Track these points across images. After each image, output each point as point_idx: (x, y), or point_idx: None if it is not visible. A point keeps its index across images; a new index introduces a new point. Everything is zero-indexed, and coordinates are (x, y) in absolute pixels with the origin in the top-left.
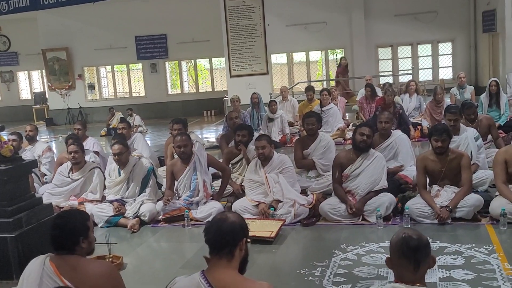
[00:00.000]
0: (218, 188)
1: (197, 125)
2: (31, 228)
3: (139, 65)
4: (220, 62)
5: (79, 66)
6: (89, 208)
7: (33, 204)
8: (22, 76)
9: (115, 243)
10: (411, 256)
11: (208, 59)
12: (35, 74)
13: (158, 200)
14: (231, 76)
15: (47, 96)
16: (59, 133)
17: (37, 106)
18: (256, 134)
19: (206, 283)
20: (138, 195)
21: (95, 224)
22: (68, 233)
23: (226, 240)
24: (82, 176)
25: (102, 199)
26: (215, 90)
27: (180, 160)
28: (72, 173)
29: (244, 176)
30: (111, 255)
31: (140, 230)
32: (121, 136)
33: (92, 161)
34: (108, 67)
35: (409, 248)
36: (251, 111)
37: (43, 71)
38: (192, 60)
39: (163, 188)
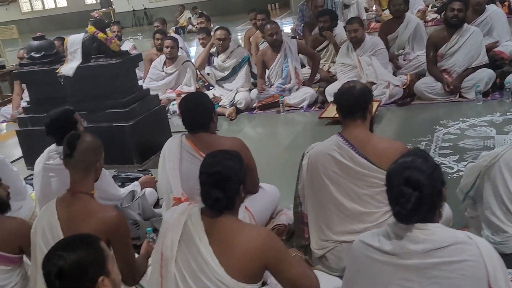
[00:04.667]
0: (307, 75)
1: None
2: (144, 117)
3: None
4: None
5: None
6: None
7: (142, 95)
8: None
9: (217, 129)
10: None
11: None
12: None
13: (250, 89)
14: None
15: None
16: (128, 35)
17: (103, 10)
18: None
19: (344, 141)
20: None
21: None
22: (204, 111)
23: (360, 103)
24: (176, 69)
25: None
26: None
27: (270, 49)
28: (166, 67)
29: (330, 62)
30: None
31: (237, 118)
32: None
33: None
34: None
35: None
36: None
37: None
38: None
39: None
